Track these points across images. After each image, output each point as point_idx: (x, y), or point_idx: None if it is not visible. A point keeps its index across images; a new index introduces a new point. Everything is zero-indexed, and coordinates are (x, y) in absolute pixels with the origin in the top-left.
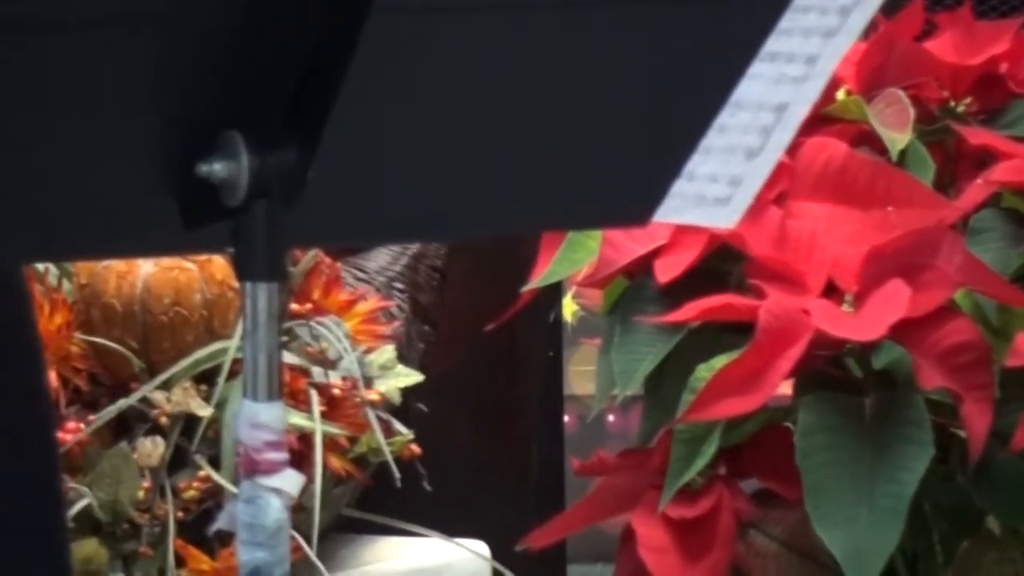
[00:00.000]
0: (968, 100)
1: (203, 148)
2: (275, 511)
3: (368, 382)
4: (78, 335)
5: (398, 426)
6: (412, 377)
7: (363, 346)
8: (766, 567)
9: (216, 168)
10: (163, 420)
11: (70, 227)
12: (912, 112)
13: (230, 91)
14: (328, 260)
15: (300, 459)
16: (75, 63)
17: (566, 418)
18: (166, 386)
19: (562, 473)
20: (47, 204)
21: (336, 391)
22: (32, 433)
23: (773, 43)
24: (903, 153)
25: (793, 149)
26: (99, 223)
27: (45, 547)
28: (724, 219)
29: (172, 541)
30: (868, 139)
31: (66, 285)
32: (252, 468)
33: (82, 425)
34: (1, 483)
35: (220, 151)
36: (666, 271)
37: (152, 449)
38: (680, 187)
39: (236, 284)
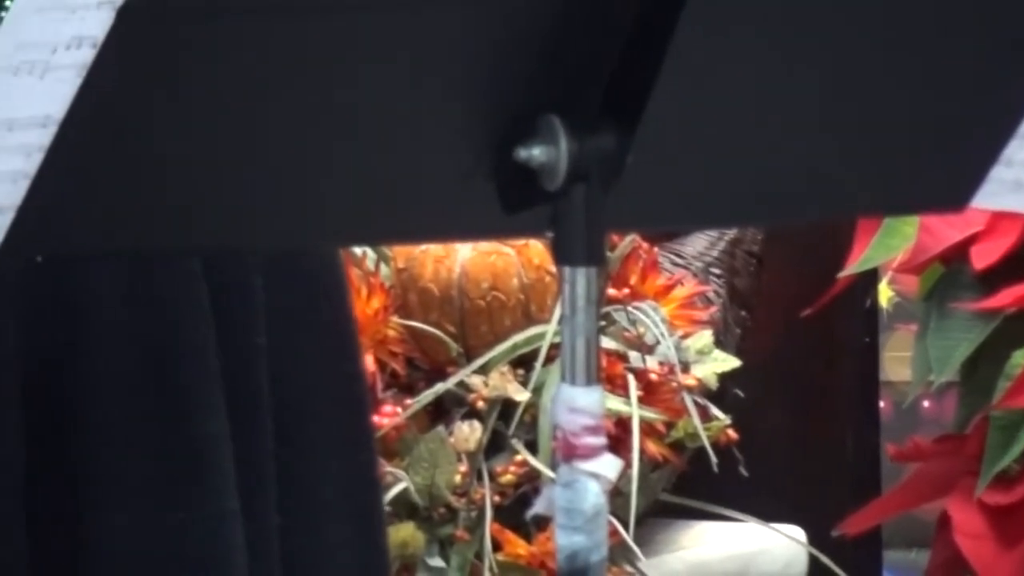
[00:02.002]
0: None
1: (522, 133)
2: (593, 496)
3: (685, 367)
4: (395, 319)
5: (715, 411)
6: (729, 362)
7: (680, 331)
8: None
9: (535, 153)
10: (480, 404)
11: (389, 211)
12: None
13: (549, 76)
14: (645, 245)
15: (617, 444)
16: (397, 46)
17: (881, 404)
18: (483, 370)
19: (878, 459)
20: (366, 188)
21: (653, 376)
22: (348, 417)
23: None
24: None
25: None
26: (418, 207)
27: (362, 530)
28: None
29: (489, 525)
30: None
31: (384, 269)
32: (570, 452)
33: (399, 409)
34: (318, 467)
35: (539, 136)
36: (983, 257)
37: (469, 433)
38: (998, 173)
39: (553, 269)
